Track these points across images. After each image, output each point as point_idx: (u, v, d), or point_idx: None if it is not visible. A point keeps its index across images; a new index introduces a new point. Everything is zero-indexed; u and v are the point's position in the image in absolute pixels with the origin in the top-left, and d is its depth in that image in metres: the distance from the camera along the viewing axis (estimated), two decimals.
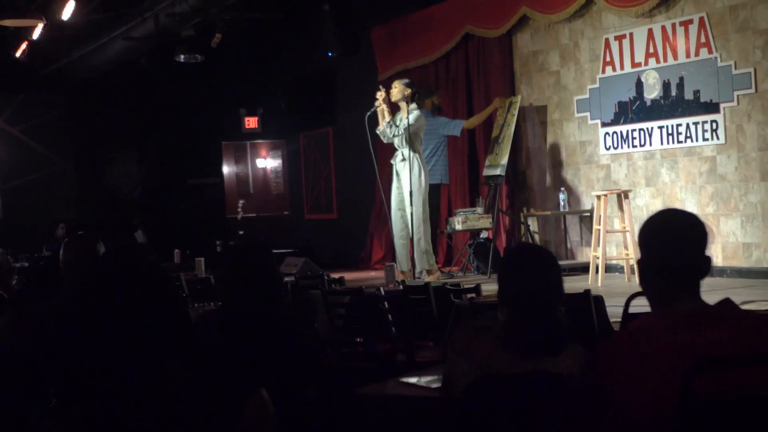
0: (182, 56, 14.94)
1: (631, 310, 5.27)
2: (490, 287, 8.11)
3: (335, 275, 9.44)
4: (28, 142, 18.30)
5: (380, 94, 11.09)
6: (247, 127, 18.88)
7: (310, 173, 17.65)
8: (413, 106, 11.02)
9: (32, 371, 4.71)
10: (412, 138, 10.88)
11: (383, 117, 11.14)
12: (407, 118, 10.90)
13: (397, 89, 11.10)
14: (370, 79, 14.99)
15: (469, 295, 7.18)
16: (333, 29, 13.74)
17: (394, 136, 11.07)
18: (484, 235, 12.01)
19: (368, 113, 11.19)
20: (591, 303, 6.16)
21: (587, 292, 6.20)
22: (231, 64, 17.39)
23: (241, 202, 18.15)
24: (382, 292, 7.54)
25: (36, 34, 12.44)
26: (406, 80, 11.43)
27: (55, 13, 11.38)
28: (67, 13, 11.49)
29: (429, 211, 11.34)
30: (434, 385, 3.79)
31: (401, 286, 8.01)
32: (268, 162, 19.27)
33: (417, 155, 10.99)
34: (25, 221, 16.95)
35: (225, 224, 18.12)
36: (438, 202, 12.22)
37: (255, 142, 19.07)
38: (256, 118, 18.80)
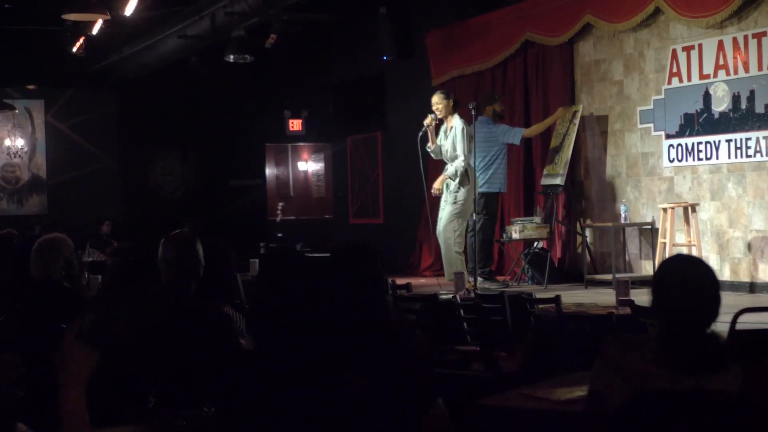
0: (232, 56, 14.87)
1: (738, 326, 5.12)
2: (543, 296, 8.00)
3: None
4: (75, 138, 18.29)
5: (429, 120, 11.01)
6: (291, 129, 18.82)
7: (356, 177, 17.53)
8: (455, 117, 11.02)
9: (130, 371, 4.60)
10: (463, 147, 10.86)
11: (433, 136, 11.12)
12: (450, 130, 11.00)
13: (442, 105, 11.02)
14: (422, 84, 14.87)
15: (548, 306, 7.04)
16: (388, 32, 13.65)
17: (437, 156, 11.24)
18: (538, 245, 11.85)
19: (419, 135, 11.09)
20: None
21: None
22: (278, 65, 17.32)
23: (281, 204, 18.10)
24: (458, 300, 7.40)
25: (95, 30, 12.39)
26: (445, 91, 11.39)
27: (117, 8, 11.32)
28: (130, 8, 11.42)
29: (484, 220, 11.28)
30: (564, 398, 3.65)
31: (472, 294, 7.86)
32: (309, 165, 19.19)
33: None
34: (70, 217, 16.90)
35: (266, 226, 18.05)
36: (496, 210, 12.06)
37: (296, 145, 18.99)
38: (300, 121, 18.74)
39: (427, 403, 3.64)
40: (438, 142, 11.05)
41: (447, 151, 11.00)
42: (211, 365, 4.51)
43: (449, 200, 11.01)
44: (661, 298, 3.13)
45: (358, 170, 17.46)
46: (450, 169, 10.97)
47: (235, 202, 18.74)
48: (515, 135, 11.81)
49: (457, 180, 10.91)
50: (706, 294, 3.08)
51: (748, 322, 5.11)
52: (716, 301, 3.10)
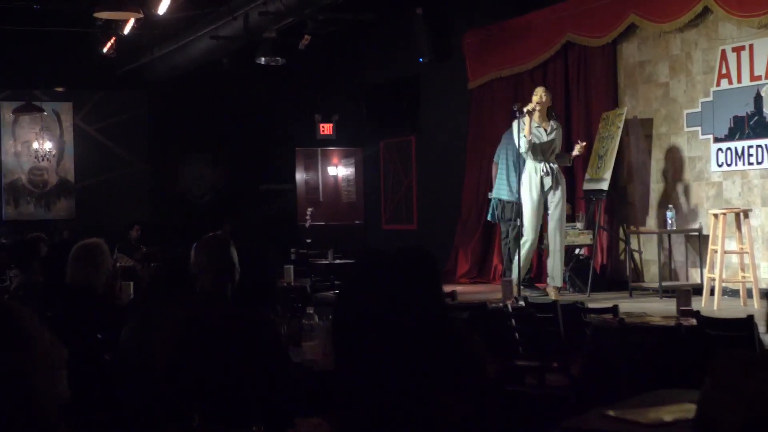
0: (263, 58, 14.61)
1: None
2: (594, 306, 7.65)
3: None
4: (104, 141, 18.07)
5: (531, 107, 10.56)
6: (321, 133, 18.56)
7: (389, 182, 17.25)
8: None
9: (173, 385, 4.30)
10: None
11: (530, 126, 10.58)
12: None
13: (547, 98, 10.76)
14: (457, 87, 14.61)
15: (604, 316, 6.70)
16: (425, 34, 13.39)
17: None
18: (580, 251, 11.52)
19: (517, 121, 10.53)
20: (755, 330, 5.67)
21: (750, 317, 5.72)
22: (310, 68, 17.07)
23: (310, 210, 17.83)
24: (510, 309, 7.06)
25: (127, 29, 12.14)
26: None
27: (150, 7, 11.06)
28: (163, 7, 11.16)
29: (521, 227, 11.00)
30: (659, 422, 3.31)
31: (522, 303, 7.53)
32: (339, 170, 18.93)
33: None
34: (98, 222, 16.64)
35: (296, 232, 17.78)
36: None
37: (326, 149, 18.73)
38: (331, 125, 18.48)
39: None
40: (529, 135, 10.54)
41: (555, 147, 10.68)
42: (259, 378, 4.21)
43: (559, 203, 10.67)
44: None
45: (391, 175, 17.19)
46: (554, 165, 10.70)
47: (265, 207, 18.48)
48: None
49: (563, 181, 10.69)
50: None
51: None
52: None
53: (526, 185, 10.62)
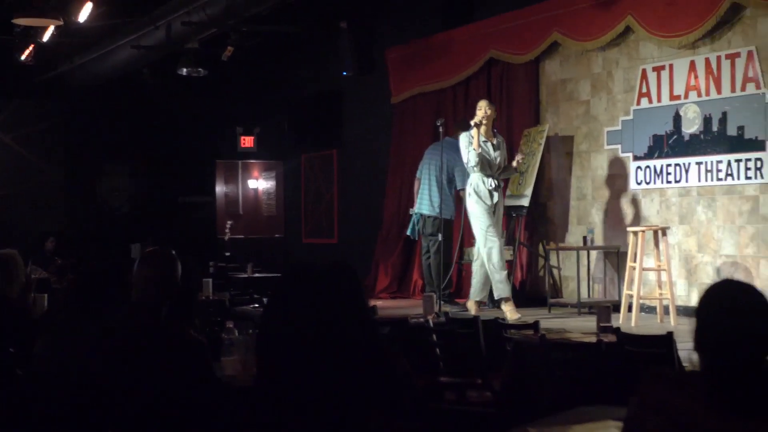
0: (185, 69, 14.46)
1: None
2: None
3: None
4: (19, 150, 17.71)
5: (478, 120, 10.10)
6: (242, 146, 18.41)
7: (310, 195, 17.18)
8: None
9: (87, 398, 4.18)
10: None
11: (478, 140, 10.10)
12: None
13: (491, 111, 10.18)
14: (380, 102, 14.60)
15: (525, 332, 6.71)
16: (349, 48, 13.32)
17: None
18: None
19: (467, 133, 10.17)
20: (674, 346, 5.71)
21: (670, 334, 5.76)
22: (232, 80, 16.94)
23: (229, 223, 17.69)
24: (431, 324, 7.03)
25: (46, 36, 11.90)
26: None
27: (70, 14, 10.85)
28: (84, 14, 10.96)
29: (441, 242, 10.96)
30: None
31: (443, 318, 7.50)
32: (260, 183, 18.79)
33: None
34: (12, 232, 16.30)
35: (215, 245, 17.61)
36: (451, 233, 11.73)
37: (247, 162, 18.59)
38: (252, 138, 18.34)
39: None
40: (478, 149, 10.05)
41: (500, 163, 10.20)
42: (181, 396, 4.12)
43: (499, 219, 10.29)
44: (704, 330, 2.79)
45: (312, 188, 17.12)
46: (500, 181, 10.34)
47: (184, 220, 18.28)
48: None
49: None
50: (758, 325, 2.74)
51: None
52: None
53: (476, 199, 10.09)
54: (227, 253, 16.82)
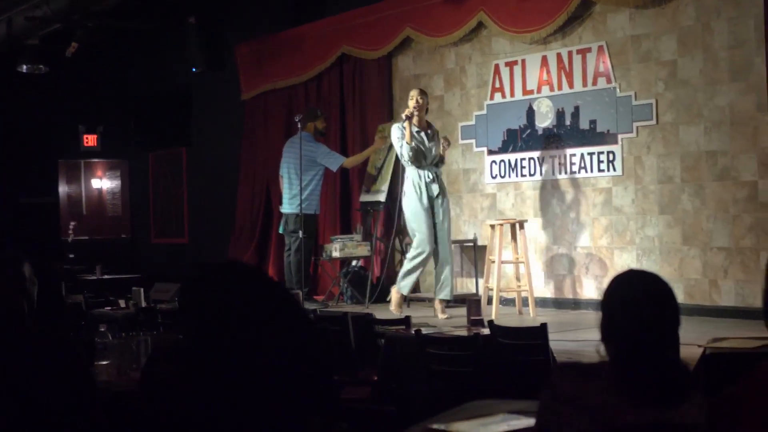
0: (25, 66, 13.99)
1: None
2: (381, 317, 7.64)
3: None
4: None
5: (408, 112, 9.64)
6: (85, 144, 17.92)
7: (158, 195, 16.83)
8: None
9: None
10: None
11: (410, 132, 9.61)
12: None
13: (423, 101, 9.66)
14: (231, 99, 14.41)
15: (397, 328, 6.68)
16: (198, 43, 13.08)
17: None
18: (357, 263, 11.52)
19: (399, 126, 9.71)
20: (547, 336, 5.77)
21: (544, 325, 5.81)
22: (75, 77, 16.46)
23: (72, 224, 17.22)
24: None
25: None
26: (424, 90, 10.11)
27: None
28: None
29: (304, 240, 10.88)
30: None
31: (311, 316, 7.42)
32: (104, 182, 18.34)
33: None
34: None
35: (58, 247, 17.11)
36: (315, 231, 11.67)
37: (90, 161, 18.11)
38: (95, 136, 17.86)
39: None
40: (411, 141, 9.58)
41: (435, 155, 9.70)
42: (55, 403, 3.93)
43: (447, 210, 9.79)
44: (611, 321, 2.79)
45: (160, 187, 16.79)
46: (438, 171, 9.82)
47: (25, 221, 17.67)
48: (335, 161, 11.35)
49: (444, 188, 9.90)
50: (664, 313, 2.76)
51: None
52: (676, 321, 2.78)
53: (412, 194, 9.63)
54: (71, 255, 16.37)
